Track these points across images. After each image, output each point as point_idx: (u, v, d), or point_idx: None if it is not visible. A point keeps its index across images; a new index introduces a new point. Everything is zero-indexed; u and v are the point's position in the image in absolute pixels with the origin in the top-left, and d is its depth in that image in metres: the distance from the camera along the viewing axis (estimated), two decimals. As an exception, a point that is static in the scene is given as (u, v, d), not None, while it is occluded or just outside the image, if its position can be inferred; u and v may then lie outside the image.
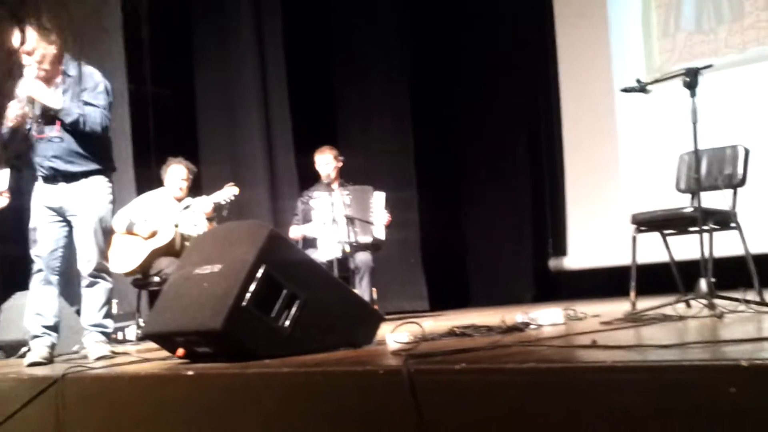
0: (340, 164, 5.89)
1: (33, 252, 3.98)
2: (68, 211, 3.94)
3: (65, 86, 3.87)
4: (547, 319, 3.32)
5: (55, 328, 3.91)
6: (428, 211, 7.71)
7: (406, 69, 7.86)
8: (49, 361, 3.77)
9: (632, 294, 3.96)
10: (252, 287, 2.75)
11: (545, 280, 7.57)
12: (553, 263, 7.52)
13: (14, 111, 3.82)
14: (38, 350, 3.80)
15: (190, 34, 7.32)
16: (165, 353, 3.24)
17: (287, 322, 2.80)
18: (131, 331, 5.06)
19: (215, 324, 2.68)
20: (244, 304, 2.72)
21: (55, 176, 3.92)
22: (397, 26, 7.91)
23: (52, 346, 3.87)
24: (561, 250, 7.44)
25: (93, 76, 3.94)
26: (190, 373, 2.56)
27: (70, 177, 3.92)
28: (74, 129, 3.84)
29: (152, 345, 4.03)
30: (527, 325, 3.22)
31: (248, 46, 7.19)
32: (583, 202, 7.16)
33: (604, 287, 6.29)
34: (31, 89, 3.78)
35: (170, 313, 2.97)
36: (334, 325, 2.94)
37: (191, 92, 7.22)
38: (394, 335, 3.02)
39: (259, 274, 2.77)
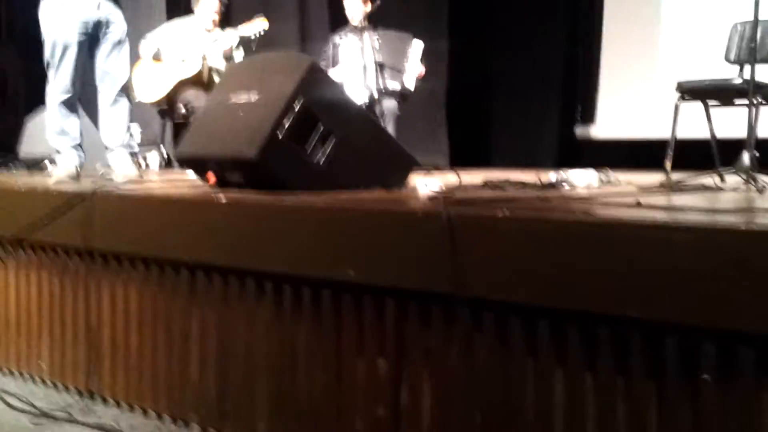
0: (370, 7, 5.63)
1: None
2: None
3: None
4: (581, 179, 3.24)
5: (80, 146, 3.86)
6: (457, 64, 7.50)
7: None
8: (77, 178, 3.74)
9: (668, 163, 3.86)
10: (288, 119, 2.66)
11: (570, 147, 7.45)
12: (579, 130, 7.38)
13: None
14: (65, 167, 3.77)
15: None
16: (192, 180, 3.20)
17: (322, 158, 2.72)
18: (153, 159, 5.01)
19: (250, 153, 2.61)
20: (279, 135, 2.64)
21: None
22: None
23: (80, 164, 3.83)
24: (589, 118, 7.28)
25: None
26: (223, 199, 2.51)
27: None
28: None
29: (175, 174, 4.00)
30: (562, 183, 3.16)
31: None
32: (618, 70, 6.93)
33: (631, 159, 6.16)
34: None
35: (204, 138, 2.90)
36: (367, 165, 2.86)
37: None
38: (428, 181, 2.96)
39: (296, 107, 2.68)
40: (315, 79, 2.79)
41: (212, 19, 5.20)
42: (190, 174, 3.27)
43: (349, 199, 2.46)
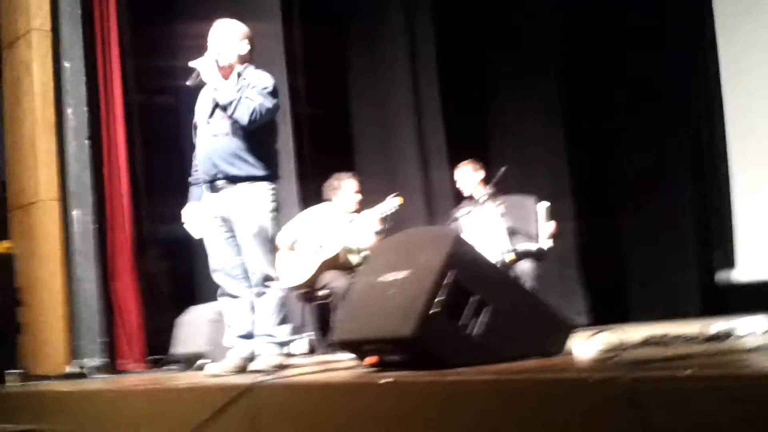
0: (481, 174, 5.70)
1: (211, 267, 3.97)
2: (231, 219, 3.91)
3: (237, 86, 3.86)
4: (750, 328, 3.05)
5: (249, 336, 3.89)
6: (584, 220, 7.44)
7: (558, 71, 7.70)
8: (241, 370, 3.79)
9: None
10: (441, 294, 2.66)
11: (712, 293, 7.14)
12: (720, 276, 7.09)
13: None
14: (231, 360, 3.83)
15: (344, 48, 7.42)
16: (345, 363, 3.20)
17: (477, 330, 2.69)
18: (299, 345, 5.04)
19: (405, 331, 2.61)
20: (433, 310, 2.63)
21: (216, 181, 3.92)
22: (551, 28, 7.78)
23: (250, 356, 3.86)
24: (729, 262, 7.00)
25: (263, 78, 3.93)
26: (385, 381, 2.48)
27: (231, 181, 3.90)
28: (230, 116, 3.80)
29: (323, 358, 3.99)
30: (729, 335, 2.98)
31: (401, 61, 7.24)
32: (754, 206, 6.68)
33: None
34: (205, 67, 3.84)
35: (358, 321, 2.94)
36: (523, 333, 2.81)
37: (346, 108, 7.28)
38: (587, 344, 2.86)
39: (446, 281, 2.68)
40: (462, 251, 2.81)
41: (355, 200, 5.36)
42: (338, 357, 3.27)
43: (514, 370, 2.40)
